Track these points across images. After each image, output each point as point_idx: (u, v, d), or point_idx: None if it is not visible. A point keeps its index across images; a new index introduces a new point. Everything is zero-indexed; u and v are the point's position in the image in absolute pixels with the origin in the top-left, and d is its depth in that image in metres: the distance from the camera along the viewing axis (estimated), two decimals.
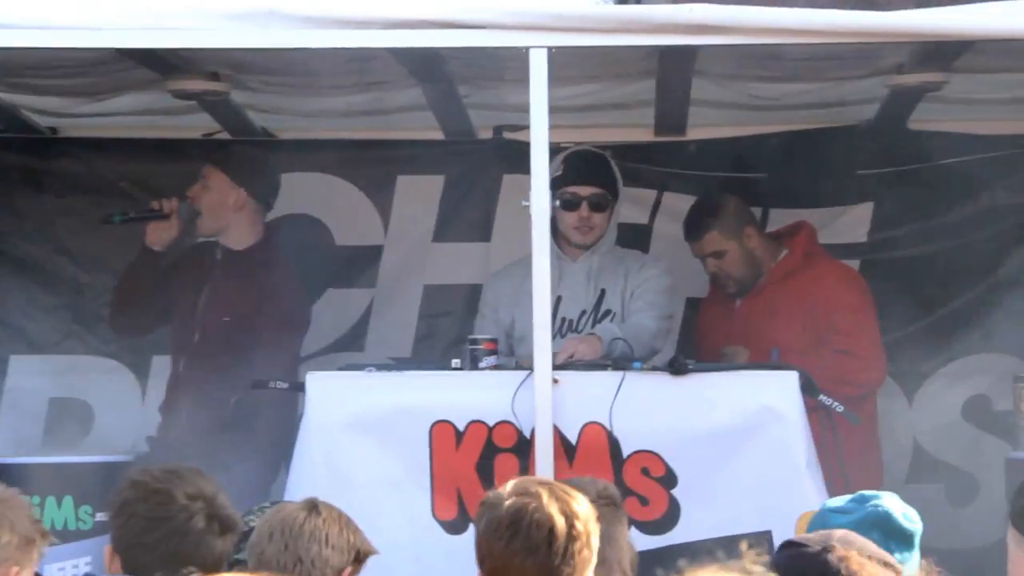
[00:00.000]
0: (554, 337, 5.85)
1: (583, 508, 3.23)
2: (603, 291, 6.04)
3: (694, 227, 6.36)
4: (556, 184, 5.74)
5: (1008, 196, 6.70)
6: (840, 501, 3.92)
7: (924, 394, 6.82)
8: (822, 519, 3.81)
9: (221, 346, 6.10)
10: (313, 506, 3.78)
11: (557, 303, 5.99)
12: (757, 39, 4.92)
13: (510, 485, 3.27)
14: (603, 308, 6.04)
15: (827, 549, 2.94)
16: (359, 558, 3.82)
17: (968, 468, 6.70)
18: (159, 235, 6.30)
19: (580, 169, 6.02)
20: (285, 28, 4.96)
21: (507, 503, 3.18)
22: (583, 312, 6.05)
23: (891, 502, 3.82)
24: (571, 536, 3.17)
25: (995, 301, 6.56)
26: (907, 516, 3.80)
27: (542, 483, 3.28)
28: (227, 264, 6.32)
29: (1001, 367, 6.52)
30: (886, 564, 2.99)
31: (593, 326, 5.98)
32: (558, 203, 5.66)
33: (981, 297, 6.67)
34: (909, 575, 3.52)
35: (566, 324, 6.06)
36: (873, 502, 3.80)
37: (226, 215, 6.30)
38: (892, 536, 3.69)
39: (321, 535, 3.69)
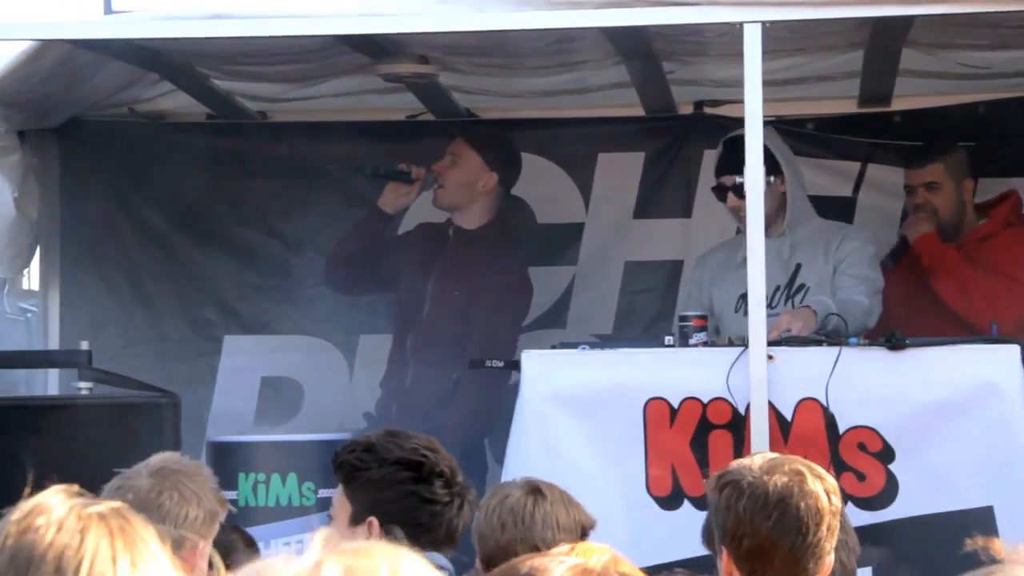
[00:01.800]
0: (746, 313, 5.84)
1: (835, 483, 3.26)
2: (799, 266, 5.99)
3: (921, 154, 6.27)
4: (716, 173, 5.77)
5: None
6: None
7: None
8: None
9: (449, 321, 6.23)
10: (536, 489, 3.77)
11: None
12: (976, 7, 4.86)
13: (758, 462, 3.28)
14: (797, 283, 6.00)
15: None
16: (584, 533, 3.84)
17: None
18: (395, 198, 6.45)
19: (726, 156, 5.95)
20: (500, 10, 5.02)
21: (771, 482, 3.20)
22: (777, 288, 6.01)
23: None
24: (832, 512, 3.20)
25: None
26: None
27: (795, 460, 3.30)
28: (459, 243, 6.43)
29: None
30: None
31: (786, 302, 5.94)
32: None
33: None
34: None
35: None
36: None
37: (471, 195, 6.42)
38: None
39: (552, 520, 3.71)
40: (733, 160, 5.52)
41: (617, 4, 5.03)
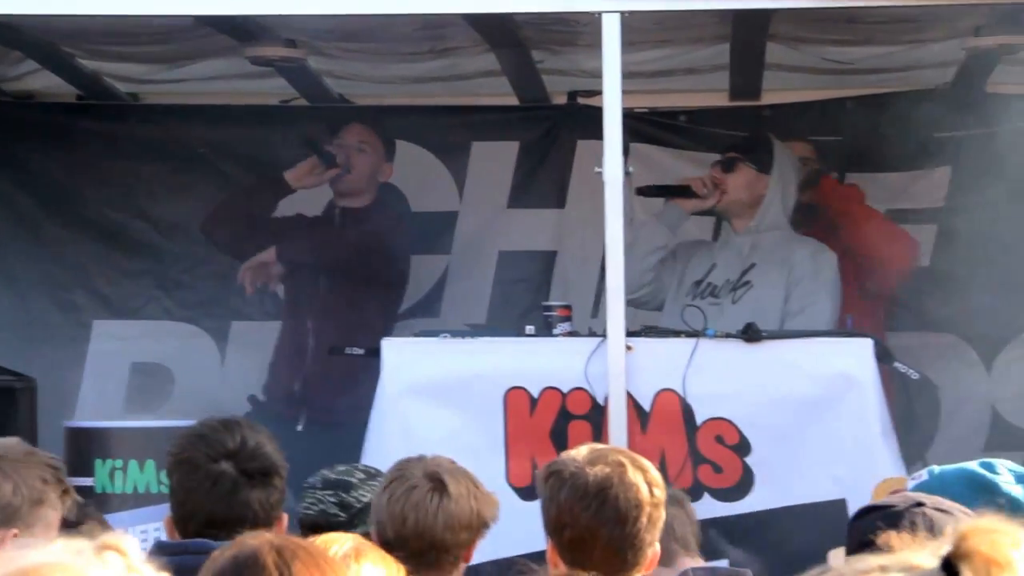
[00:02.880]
0: (694, 298, 5.89)
1: (659, 476, 3.26)
2: (752, 264, 6.03)
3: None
4: None
5: None
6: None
7: (1002, 361, 6.76)
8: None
9: (347, 304, 6.26)
10: (442, 484, 3.64)
11: (711, 268, 6.06)
12: (833, 2, 4.88)
13: (583, 453, 3.28)
14: (744, 279, 6.02)
15: (919, 503, 2.82)
16: (485, 525, 3.76)
17: None
18: (307, 176, 6.48)
19: None
20: None
21: (592, 472, 3.19)
22: (726, 280, 6.05)
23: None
24: (653, 504, 3.19)
25: None
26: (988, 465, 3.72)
27: (619, 451, 3.30)
28: (346, 223, 6.50)
29: None
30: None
31: (729, 293, 5.98)
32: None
33: None
34: None
35: (709, 288, 6.05)
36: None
37: (373, 182, 6.55)
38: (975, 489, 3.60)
39: (453, 522, 3.63)
40: None
41: None
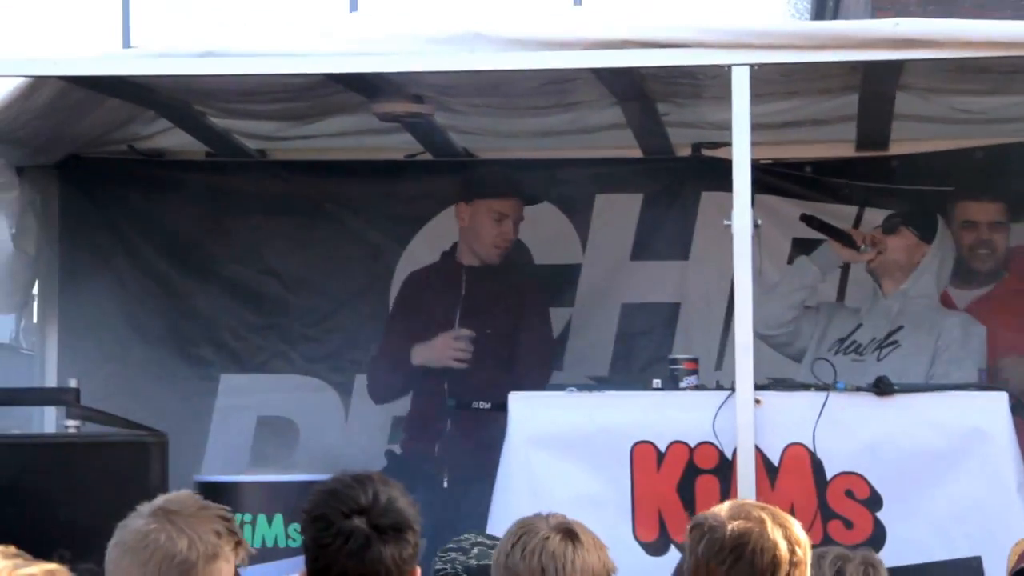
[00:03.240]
0: (837, 353, 5.87)
1: (803, 535, 3.21)
2: (901, 327, 6.04)
3: (985, 188, 6.31)
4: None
5: None
6: None
7: None
8: None
9: (487, 361, 6.19)
10: (572, 533, 3.59)
11: (856, 327, 6.09)
12: (964, 52, 4.84)
13: (726, 507, 3.25)
14: (891, 339, 6.03)
15: None
16: (613, 572, 3.76)
17: None
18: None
19: None
20: (491, 51, 5.03)
21: (730, 527, 3.16)
22: (873, 338, 6.06)
23: None
24: (792, 563, 3.15)
25: None
26: None
27: (762, 507, 3.25)
28: (474, 279, 6.40)
29: None
30: None
31: (874, 351, 5.99)
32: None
33: None
34: None
35: (854, 345, 6.06)
36: None
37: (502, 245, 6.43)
38: None
39: (588, 568, 3.62)
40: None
41: (607, 45, 5.03)
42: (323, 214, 6.95)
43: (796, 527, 3.25)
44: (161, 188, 6.93)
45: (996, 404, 5.17)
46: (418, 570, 3.50)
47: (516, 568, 3.56)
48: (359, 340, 6.96)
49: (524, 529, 3.61)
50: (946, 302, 6.28)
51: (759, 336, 5.72)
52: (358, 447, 6.63)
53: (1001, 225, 6.35)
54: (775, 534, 3.16)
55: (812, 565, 3.29)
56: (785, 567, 3.15)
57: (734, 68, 4.94)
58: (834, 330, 6.14)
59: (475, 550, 4.24)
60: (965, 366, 5.90)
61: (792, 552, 3.17)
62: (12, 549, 1.84)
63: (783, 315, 6.08)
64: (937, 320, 6.04)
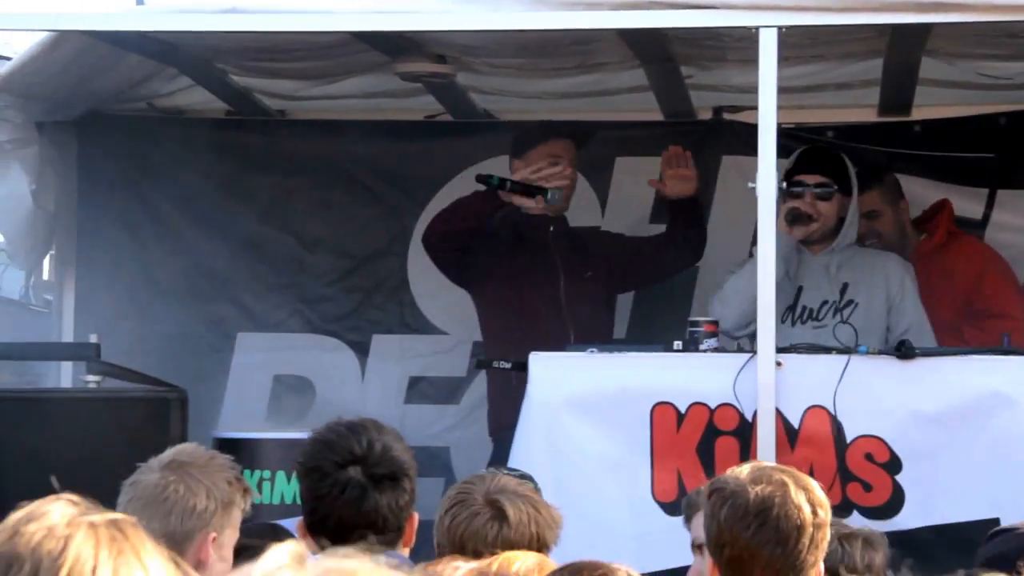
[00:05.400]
0: (794, 324, 5.85)
1: (824, 496, 3.21)
2: (846, 284, 5.98)
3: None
4: (786, 176, 5.72)
5: None
6: None
7: None
8: None
9: (588, 303, 6.21)
10: (502, 513, 3.53)
11: (798, 293, 5.98)
12: (994, 16, 4.82)
13: (746, 471, 3.24)
14: (846, 298, 5.98)
15: None
16: (545, 549, 3.68)
17: None
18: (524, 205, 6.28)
19: (811, 159, 5.96)
20: (515, 10, 5.01)
21: (753, 492, 3.16)
22: (824, 302, 6.00)
23: None
24: (816, 524, 3.15)
25: None
26: None
27: (782, 470, 3.25)
28: (562, 237, 6.35)
29: None
30: None
31: (835, 315, 5.93)
32: (784, 185, 5.59)
33: None
34: None
35: (806, 312, 6.00)
36: None
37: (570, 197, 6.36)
38: None
39: (512, 549, 3.57)
40: (811, 161, 5.70)
41: (633, 6, 5.01)
42: (342, 174, 6.94)
43: (817, 489, 3.25)
44: (180, 146, 6.92)
45: (1018, 367, 5.16)
46: (415, 516, 3.51)
47: (442, 535, 3.52)
48: (376, 300, 6.96)
49: (460, 497, 3.57)
50: None
51: (731, 339, 5.73)
52: (374, 406, 6.63)
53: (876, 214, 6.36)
54: (799, 497, 3.16)
55: None
56: (809, 529, 3.15)
57: (762, 30, 4.92)
58: (778, 302, 6.05)
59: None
60: (920, 315, 5.92)
61: (815, 514, 3.17)
62: (78, 497, 1.87)
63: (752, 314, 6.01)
64: (876, 262, 6.00)
